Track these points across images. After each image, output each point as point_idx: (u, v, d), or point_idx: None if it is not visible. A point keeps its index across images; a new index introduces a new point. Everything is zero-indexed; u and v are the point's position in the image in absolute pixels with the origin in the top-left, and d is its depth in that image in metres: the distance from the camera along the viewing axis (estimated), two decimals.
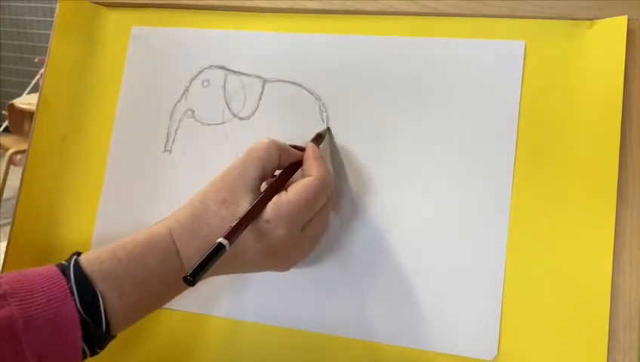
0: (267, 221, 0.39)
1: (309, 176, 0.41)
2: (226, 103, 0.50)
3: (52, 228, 0.52)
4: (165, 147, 0.51)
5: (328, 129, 0.47)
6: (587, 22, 0.43)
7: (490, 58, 0.44)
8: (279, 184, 0.41)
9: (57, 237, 0.52)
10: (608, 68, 0.42)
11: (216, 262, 0.35)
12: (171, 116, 0.51)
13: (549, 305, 0.41)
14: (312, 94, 0.48)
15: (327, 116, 0.47)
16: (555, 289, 0.41)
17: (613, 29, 0.42)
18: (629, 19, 0.42)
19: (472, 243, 0.43)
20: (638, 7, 0.42)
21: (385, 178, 0.45)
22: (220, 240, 0.36)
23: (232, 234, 0.36)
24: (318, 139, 0.45)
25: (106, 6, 0.54)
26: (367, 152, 0.46)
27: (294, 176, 0.43)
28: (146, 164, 0.51)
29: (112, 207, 0.51)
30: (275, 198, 0.39)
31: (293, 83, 0.49)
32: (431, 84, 0.45)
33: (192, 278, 0.34)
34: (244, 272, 0.43)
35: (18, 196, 0.53)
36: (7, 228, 0.53)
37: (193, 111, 0.51)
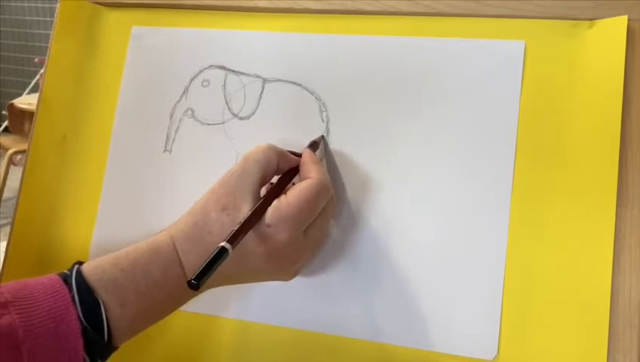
0: (268, 225, 0.38)
1: (307, 178, 0.41)
2: (226, 103, 0.50)
3: (52, 228, 0.52)
4: (165, 147, 0.51)
5: (322, 137, 0.47)
6: (587, 22, 0.43)
7: (490, 58, 0.44)
8: (279, 188, 0.41)
9: (57, 237, 0.52)
10: (608, 68, 0.42)
11: (219, 265, 0.34)
12: (171, 116, 0.51)
13: (549, 305, 0.41)
14: (312, 94, 0.48)
15: (327, 116, 0.47)
16: (555, 289, 0.41)
17: (613, 29, 0.42)
18: (629, 19, 0.42)
19: (472, 243, 0.43)
20: (638, 7, 0.42)
21: (384, 178, 0.45)
22: (223, 244, 0.35)
23: (235, 239, 0.36)
24: (313, 146, 0.45)
25: (106, 6, 0.54)
26: (366, 152, 0.46)
27: (292, 181, 0.43)
28: (146, 164, 0.51)
29: (112, 207, 0.51)
30: (275, 202, 0.39)
31: (293, 83, 0.49)
32: (431, 84, 0.45)
33: (195, 282, 0.33)
34: (249, 281, 0.43)
35: (18, 196, 0.53)
36: (7, 228, 0.53)
37: (193, 111, 0.51)
